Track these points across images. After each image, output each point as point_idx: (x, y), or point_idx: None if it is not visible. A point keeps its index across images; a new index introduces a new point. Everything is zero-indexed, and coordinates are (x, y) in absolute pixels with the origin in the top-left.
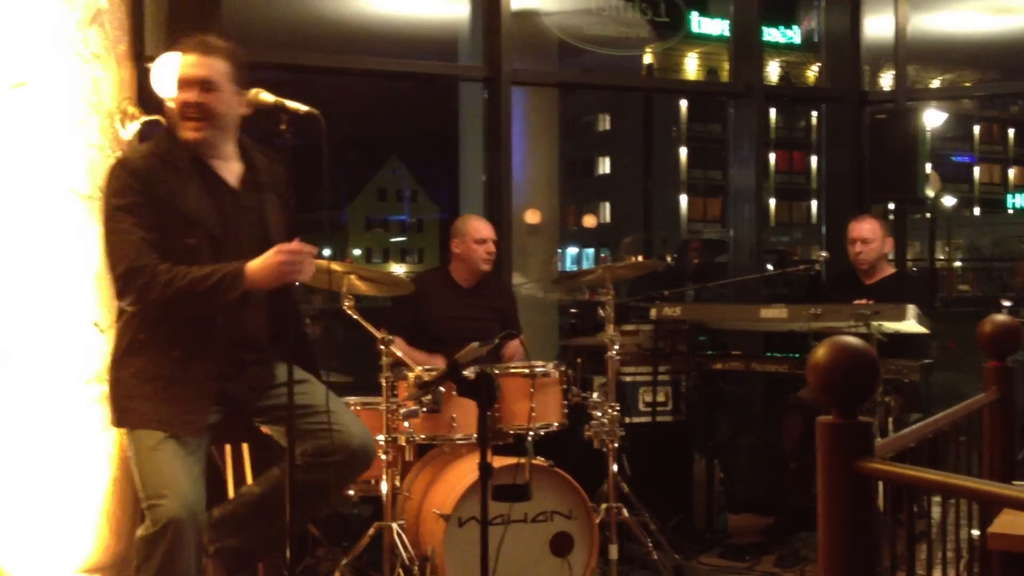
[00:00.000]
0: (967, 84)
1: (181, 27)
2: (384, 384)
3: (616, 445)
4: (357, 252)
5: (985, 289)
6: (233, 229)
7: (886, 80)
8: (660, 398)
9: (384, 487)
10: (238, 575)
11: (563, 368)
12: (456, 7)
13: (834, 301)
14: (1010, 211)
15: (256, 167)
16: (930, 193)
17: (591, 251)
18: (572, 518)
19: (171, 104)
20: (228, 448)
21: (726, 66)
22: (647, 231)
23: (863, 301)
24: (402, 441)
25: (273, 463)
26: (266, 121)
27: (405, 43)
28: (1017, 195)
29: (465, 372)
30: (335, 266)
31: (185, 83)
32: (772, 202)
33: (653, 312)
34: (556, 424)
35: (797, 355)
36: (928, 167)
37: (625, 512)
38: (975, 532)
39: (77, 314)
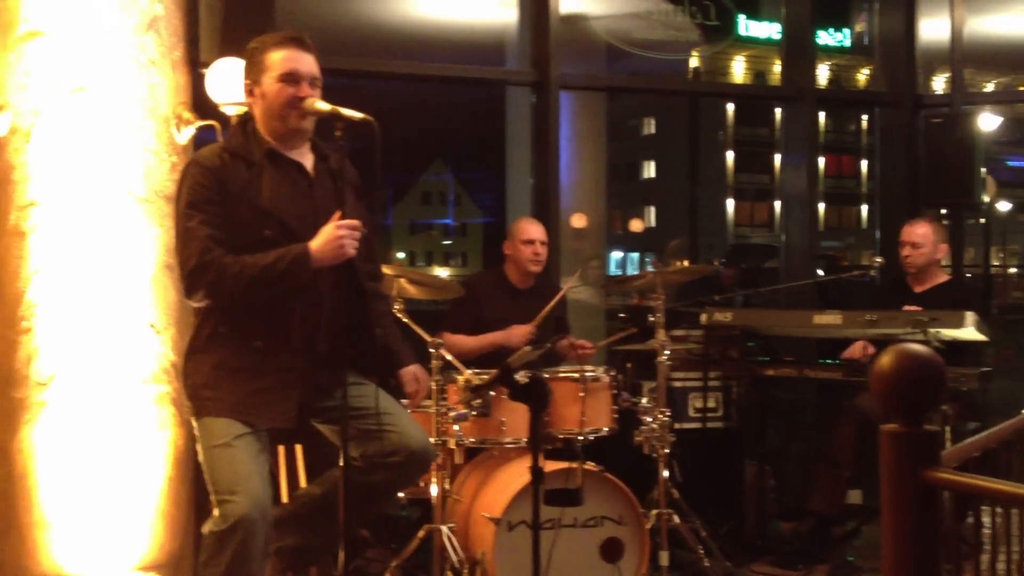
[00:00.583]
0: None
1: (235, 33)
2: (434, 387)
3: (667, 451)
4: (401, 255)
5: None
6: (309, 218)
7: (938, 83)
8: (710, 404)
9: (434, 490)
10: (298, 574)
11: (613, 373)
12: (504, 12)
13: (882, 309)
14: None
15: (327, 158)
16: (986, 198)
17: (635, 255)
18: (622, 524)
19: (245, 99)
20: (282, 449)
21: (774, 69)
22: (693, 235)
23: (913, 309)
24: (451, 444)
25: (331, 465)
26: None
27: (452, 48)
28: None
29: (517, 376)
30: (385, 269)
31: (298, 77)
32: (821, 207)
33: (704, 317)
34: (606, 429)
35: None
36: (983, 171)
37: (676, 518)
38: None
39: (134, 315)
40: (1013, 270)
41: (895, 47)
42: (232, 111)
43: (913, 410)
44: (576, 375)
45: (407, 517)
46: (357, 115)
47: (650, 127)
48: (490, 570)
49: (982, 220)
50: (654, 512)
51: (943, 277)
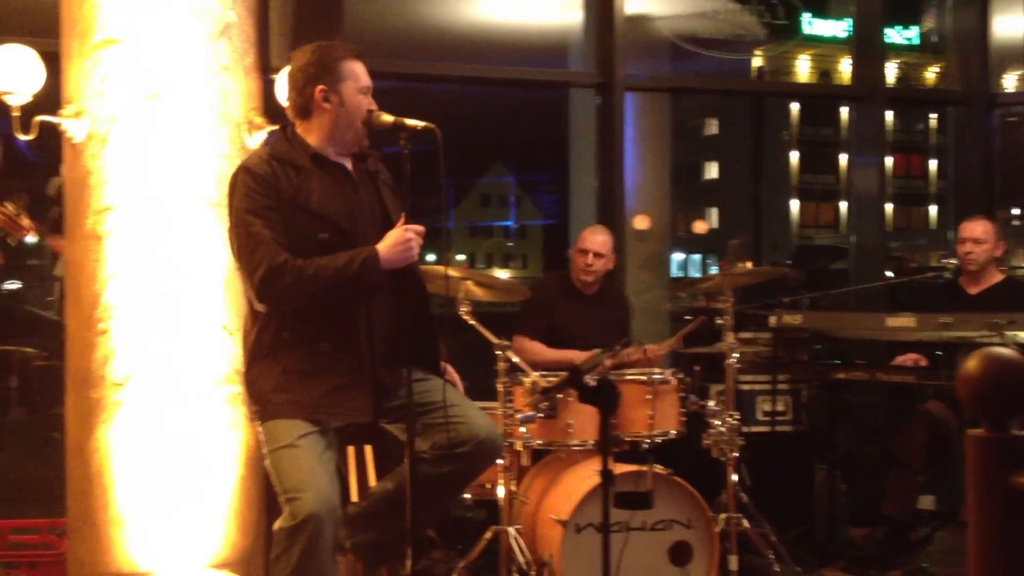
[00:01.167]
0: None
1: (304, 39)
2: (500, 389)
3: (735, 454)
4: (461, 257)
5: None
6: (359, 218)
7: (1009, 81)
8: (779, 407)
9: (500, 491)
10: (374, 570)
11: (681, 375)
12: (567, 13)
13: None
14: None
15: (365, 159)
16: None
17: (697, 257)
18: (691, 527)
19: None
20: (351, 450)
21: (839, 68)
22: (756, 236)
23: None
24: (518, 446)
25: (400, 463)
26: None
27: (514, 50)
28: None
29: (586, 379)
30: (452, 272)
31: (369, 91)
32: (888, 207)
33: (772, 320)
34: (674, 432)
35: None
36: None
37: (745, 523)
38: None
39: (207, 317)
40: None
41: (968, 45)
42: None
43: (999, 414)
44: (644, 378)
45: (473, 518)
46: (420, 124)
47: (712, 128)
48: (557, 572)
49: None
50: (723, 516)
51: (998, 276)
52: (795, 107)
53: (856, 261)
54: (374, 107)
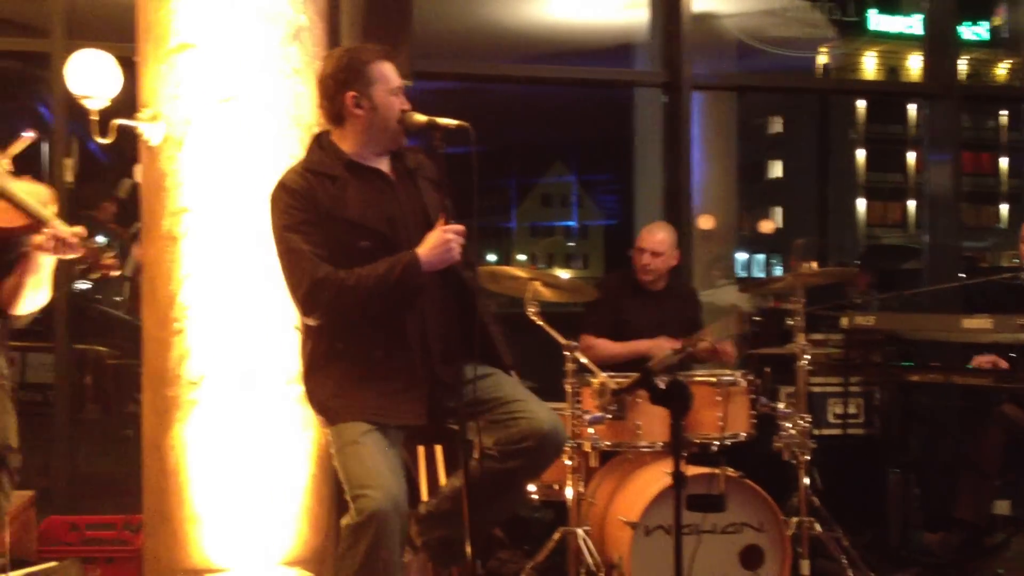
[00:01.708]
0: None
1: (374, 41)
2: (568, 390)
3: (807, 457)
4: (522, 257)
5: None
6: (400, 221)
7: None
8: (851, 410)
9: (569, 492)
10: (445, 568)
11: (751, 377)
12: (631, 13)
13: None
14: None
15: (403, 156)
16: None
17: (761, 257)
18: (762, 531)
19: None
20: (421, 450)
21: (907, 64)
22: (822, 236)
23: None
24: (586, 447)
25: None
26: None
27: (579, 49)
28: None
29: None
30: (519, 272)
31: (400, 91)
32: None
33: (844, 321)
34: (744, 434)
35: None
36: None
37: (817, 527)
38: None
39: (279, 317)
40: None
41: None
42: None
43: None
44: (713, 379)
45: (540, 519)
46: (452, 122)
47: (777, 126)
48: (627, 574)
49: None
50: (795, 520)
51: None
52: (861, 104)
53: (930, 261)
54: (407, 107)
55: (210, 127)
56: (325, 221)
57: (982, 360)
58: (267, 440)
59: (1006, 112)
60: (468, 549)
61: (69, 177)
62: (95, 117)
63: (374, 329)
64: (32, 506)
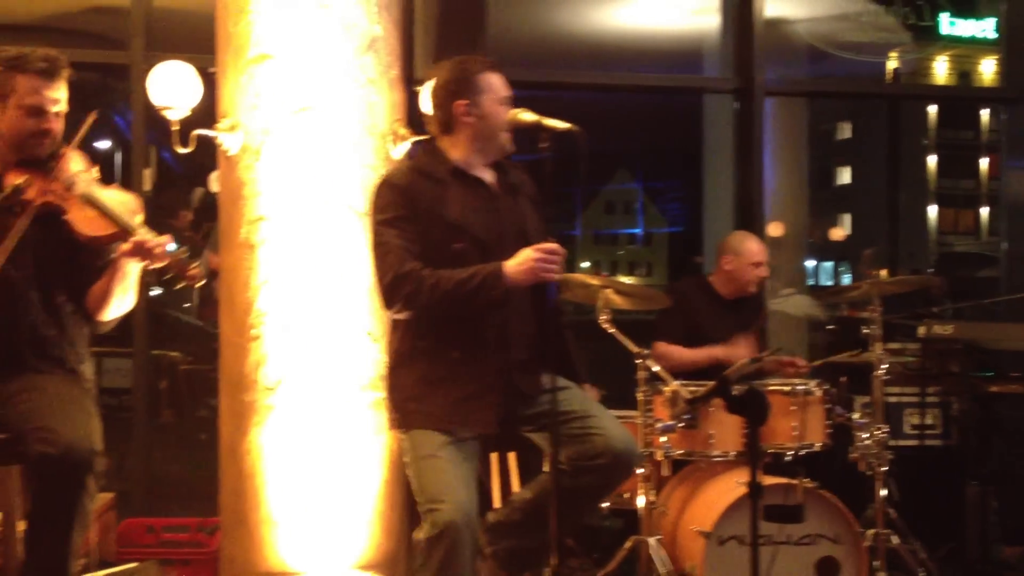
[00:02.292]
0: None
1: (448, 51)
2: (640, 398)
3: (884, 468)
4: (585, 264)
5: None
6: (496, 231)
7: None
8: (928, 420)
9: (640, 501)
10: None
11: (826, 386)
12: (701, 19)
13: None
14: None
15: (507, 171)
16: None
17: (829, 264)
18: (839, 543)
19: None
20: (495, 457)
21: (979, 69)
22: (893, 244)
23: None
24: (658, 456)
25: (539, 470)
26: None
27: (648, 56)
28: None
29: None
30: (591, 280)
31: (508, 101)
32: None
33: (921, 330)
34: (818, 444)
35: None
36: None
37: (894, 539)
38: None
39: (354, 324)
40: None
41: None
42: None
43: None
44: (787, 388)
45: (609, 528)
46: (561, 125)
47: (845, 132)
48: None
49: None
50: (871, 532)
51: None
52: (932, 110)
53: (1008, 269)
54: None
55: (287, 137)
56: (423, 219)
57: None
58: (341, 445)
59: None
60: (553, 561)
61: (147, 186)
62: (176, 127)
63: (455, 330)
64: (112, 508)
